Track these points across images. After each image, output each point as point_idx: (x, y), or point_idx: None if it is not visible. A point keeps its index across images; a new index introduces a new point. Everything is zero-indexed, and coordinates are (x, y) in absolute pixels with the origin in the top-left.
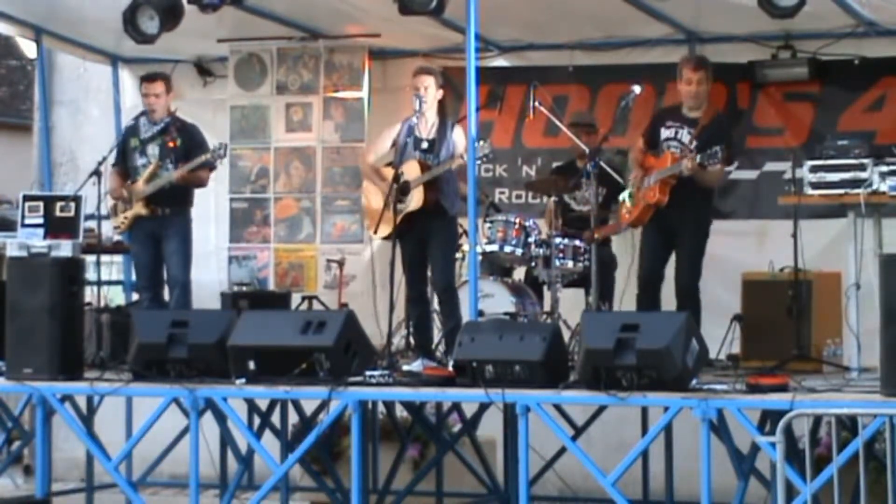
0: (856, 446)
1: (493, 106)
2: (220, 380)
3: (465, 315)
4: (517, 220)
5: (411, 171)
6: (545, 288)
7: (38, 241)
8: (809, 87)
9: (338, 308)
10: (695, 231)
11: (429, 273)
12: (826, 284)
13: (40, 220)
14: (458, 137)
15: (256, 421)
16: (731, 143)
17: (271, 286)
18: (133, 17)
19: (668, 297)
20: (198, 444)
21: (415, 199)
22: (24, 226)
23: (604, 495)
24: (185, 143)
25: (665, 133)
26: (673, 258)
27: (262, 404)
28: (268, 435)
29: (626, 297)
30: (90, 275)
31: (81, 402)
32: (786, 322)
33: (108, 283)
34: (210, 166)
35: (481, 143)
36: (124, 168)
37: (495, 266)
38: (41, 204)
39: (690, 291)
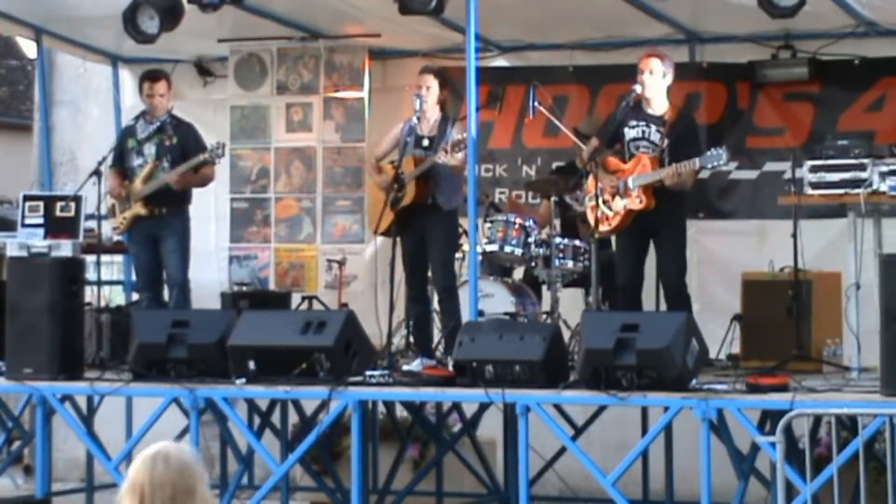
0: (856, 446)
1: (493, 106)
2: (220, 380)
3: (465, 315)
4: (517, 220)
5: (407, 166)
6: (545, 288)
7: (38, 241)
8: (809, 87)
9: (338, 308)
10: (676, 228)
11: (429, 272)
12: (826, 284)
13: (40, 220)
14: (454, 132)
15: (256, 421)
16: (699, 140)
17: (272, 286)
18: (133, 16)
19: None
20: (198, 444)
21: (408, 194)
22: (24, 226)
23: (604, 495)
24: (182, 141)
25: (631, 133)
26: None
27: (262, 404)
28: (268, 435)
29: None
30: (90, 275)
31: (81, 402)
32: (786, 322)
33: (109, 283)
34: (210, 164)
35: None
36: (122, 169)
37: (495, 266)
38: (41, 204)
39: (680, 288)
